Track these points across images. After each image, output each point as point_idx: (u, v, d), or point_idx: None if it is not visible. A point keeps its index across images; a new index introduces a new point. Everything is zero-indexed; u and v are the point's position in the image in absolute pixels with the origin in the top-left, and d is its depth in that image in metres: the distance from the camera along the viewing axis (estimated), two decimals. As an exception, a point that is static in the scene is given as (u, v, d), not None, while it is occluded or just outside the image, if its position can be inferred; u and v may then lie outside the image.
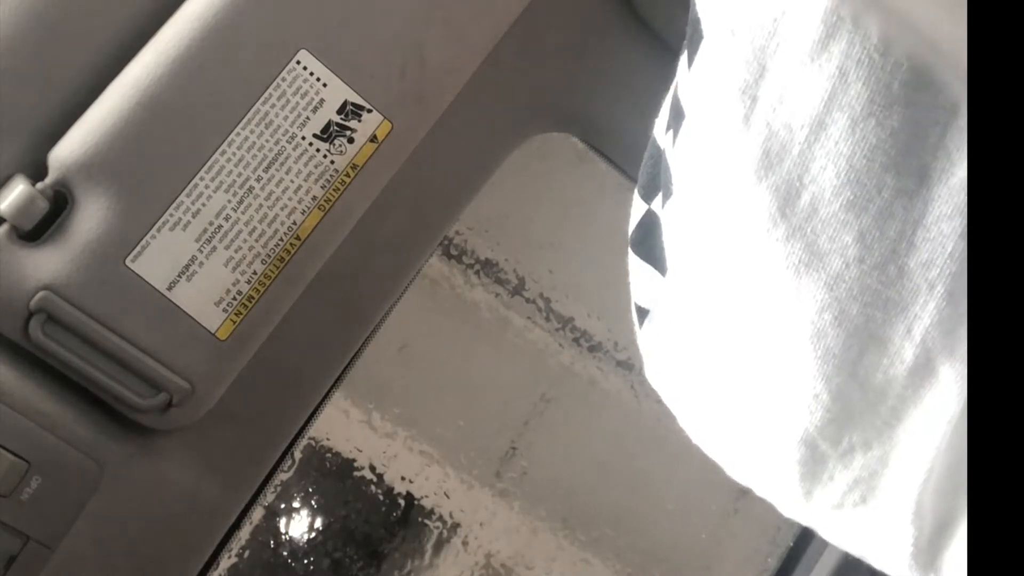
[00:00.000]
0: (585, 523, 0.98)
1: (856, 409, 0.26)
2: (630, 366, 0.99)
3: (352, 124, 0.45)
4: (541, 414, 0.98)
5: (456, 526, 0.95)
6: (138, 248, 0.41)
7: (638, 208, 0.33)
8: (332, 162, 0.44)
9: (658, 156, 0.31)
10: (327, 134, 0.44)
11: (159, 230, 0.41)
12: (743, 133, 0.25)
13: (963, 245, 0.24)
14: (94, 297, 0.40)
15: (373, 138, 0.45)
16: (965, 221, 0.24)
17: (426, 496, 0.94)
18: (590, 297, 0.97)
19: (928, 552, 0.26)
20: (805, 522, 0.29)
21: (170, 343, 0.42)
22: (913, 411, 0.26)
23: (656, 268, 0.31)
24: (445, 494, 0.95)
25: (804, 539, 0.94)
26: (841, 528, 0.28)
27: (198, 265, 0.42)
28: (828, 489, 0.27)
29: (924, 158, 0.23)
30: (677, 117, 0.29)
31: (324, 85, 0.44)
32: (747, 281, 0.27)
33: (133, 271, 0.41)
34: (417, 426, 0.93)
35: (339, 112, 0.44)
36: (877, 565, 0.28)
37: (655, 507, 1.01)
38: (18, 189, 0.39)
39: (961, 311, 0.25)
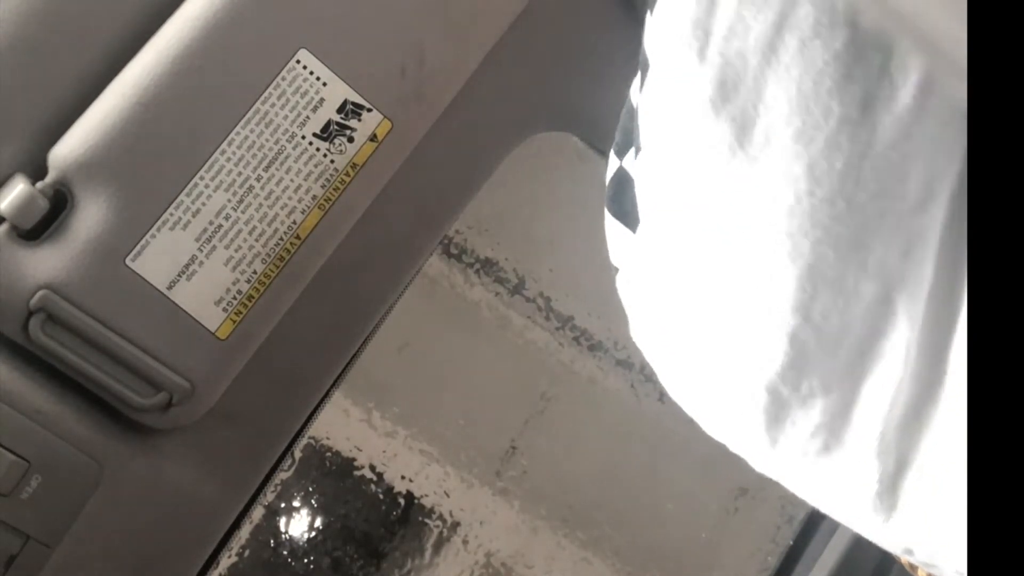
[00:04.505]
0: (585, 522, 0.98)
1: (813, 355, 0.26)
2: (630, 365, 0.99)
3: (352, 123, 0.45)
4: (541, 413, 0.98)
5: (456, 525, 0.95)
6: (138, 247, 0.41)
7: (612, 165, 0.33)
8: (332, 161, 0.44)
9: (632, 113, 0.31)
10: (327, 133, 0.44)
11: (159, 229, 0.41)
12: (699, 67, 0.26)
13: (910, 171, 0.24)
14: (94, 296, 0.40)
15: (373, 137, 0.45)
16: (912, 146, 0.24)
17: (426, 495, 0.94)
18: (590, 296, 0.97)
19: (891, 489, 0.26)
20: (775, 474, 0.30)
21: (170, 342, 0.42)
22: (872, 351, 0.26)
23: (627, 225, 0.32)
24: (445, 493, 0.95)
25: (804, 538, 0.94)
26: (808, 477, 0.28)
27: (198, 264, 0.42)
28: (792, 436, 0.28)
29: (867, 85, 0.24)
30: (644, 67, 0.29)
31: (324, 84, 0.44)
32: (709, 223, 0.27)
33: (133, 270, 0.41)
34: (417, 425, 0.93)
35: (339, 111, 0.44)
36: (842, 515, 0.28)
37: (655, 507, 1.01)
38: (18, 188, 0.39)
39: (911, 239, 0.25)
